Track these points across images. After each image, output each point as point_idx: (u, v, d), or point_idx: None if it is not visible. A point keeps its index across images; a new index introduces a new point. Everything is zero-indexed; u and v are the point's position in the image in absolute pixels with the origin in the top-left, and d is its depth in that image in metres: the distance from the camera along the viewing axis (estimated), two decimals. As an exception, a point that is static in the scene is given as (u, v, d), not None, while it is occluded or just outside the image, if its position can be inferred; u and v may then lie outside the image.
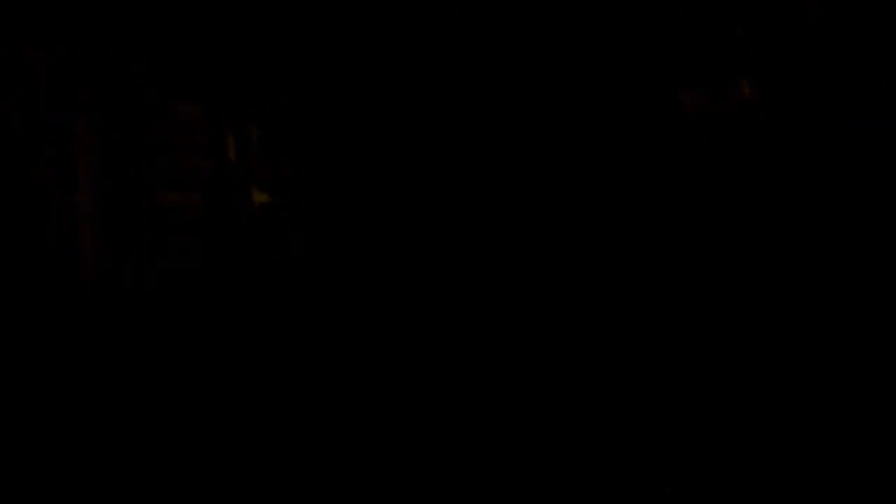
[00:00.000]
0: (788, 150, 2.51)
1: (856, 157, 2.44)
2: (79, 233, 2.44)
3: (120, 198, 2.49)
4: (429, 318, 2.56)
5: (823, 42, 2.46)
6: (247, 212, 2.62)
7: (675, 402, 2.39)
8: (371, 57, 2.64)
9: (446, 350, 2.51)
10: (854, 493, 2.06)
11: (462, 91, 2.63)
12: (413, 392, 2.44)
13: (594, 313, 2.56)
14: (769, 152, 2.52)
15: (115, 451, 2.24)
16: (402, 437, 2.33)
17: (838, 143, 2.45)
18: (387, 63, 2.64)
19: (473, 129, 2.63)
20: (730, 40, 2.37)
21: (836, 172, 2.46)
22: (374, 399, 2.43)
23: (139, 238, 2.51)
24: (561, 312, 2.56)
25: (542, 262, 2.61)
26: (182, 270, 2.53)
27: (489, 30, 2.61)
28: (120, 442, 2.27)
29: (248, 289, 2.56)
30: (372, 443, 2.31)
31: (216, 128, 2.58)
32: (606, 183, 2.62)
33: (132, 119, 2.48)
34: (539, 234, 2.62)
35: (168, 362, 2.43)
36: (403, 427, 2.36)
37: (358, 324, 2.56)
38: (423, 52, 2.63)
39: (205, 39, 2.53)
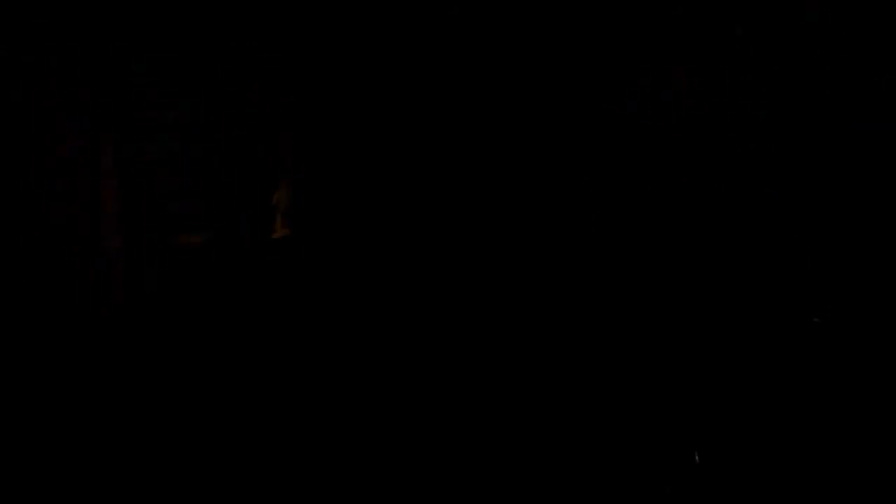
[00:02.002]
0: (789, 151, 2.51)
1: (856, 157, 2.44)
2: (77, 233, 2.43)
3: (120, 197, 2.49)
4: (426, 315, 2.56)
5: (823, 42, 2.46)
6: (247, 213, 2.62)
7: (675, 403, 2.39)
8: (371, 57, 2.64)
9: (446, 348, 2.51)
10: (853, 493, 2.06)
11: (460, 90, 2.63)
12: (410, 390, 2.44)
13: (590, 309, 2.56)
14: (770, 152, 2.52)
15: (115, 450, 2.24)
16: (400, 437, 2.33)
17: (838, 143, 2.45)
18: (386, 63, 2.64)
19: (470, 128, 2.63)
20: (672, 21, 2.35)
21: (837, 172, 2.46)
22: (373, 396, 2.42)
23: (138, 237, 2.51)
24: (557, 309, 2.56)
25: (532, 257, 2.61)
26: (181, 271, 2.53)
27: (489, 29, 2.61)
28: (120, 441, 2.26)
29: (247, 289, 2.56)
30: (373, 442, 2.31)
31: (215, 128, 2.58)
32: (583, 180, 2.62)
33: (132, 119, 2.48)
34: (529, 231, 2.61)
35: (168, 362, 2.43)
36: (402, 426, 2.36)
37: (356, 323, 2.55)
38: (422, 52, 2.63)
39: (205, 39, 2.53)
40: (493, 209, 2.63)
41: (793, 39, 2.49)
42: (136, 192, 2.51)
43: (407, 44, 2.63)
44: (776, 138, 2.51)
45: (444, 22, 2.62)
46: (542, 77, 2.63)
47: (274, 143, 2.64)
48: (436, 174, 2.64)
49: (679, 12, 2.55)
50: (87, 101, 2.43)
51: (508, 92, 2.63)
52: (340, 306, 2.59)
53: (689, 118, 2.58)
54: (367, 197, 2.64)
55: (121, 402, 2.35)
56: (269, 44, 2.59)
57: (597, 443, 2.31)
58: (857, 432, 2.21)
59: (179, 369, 2.44)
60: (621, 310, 2.56)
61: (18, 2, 2.32)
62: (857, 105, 2.43)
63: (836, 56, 2.45)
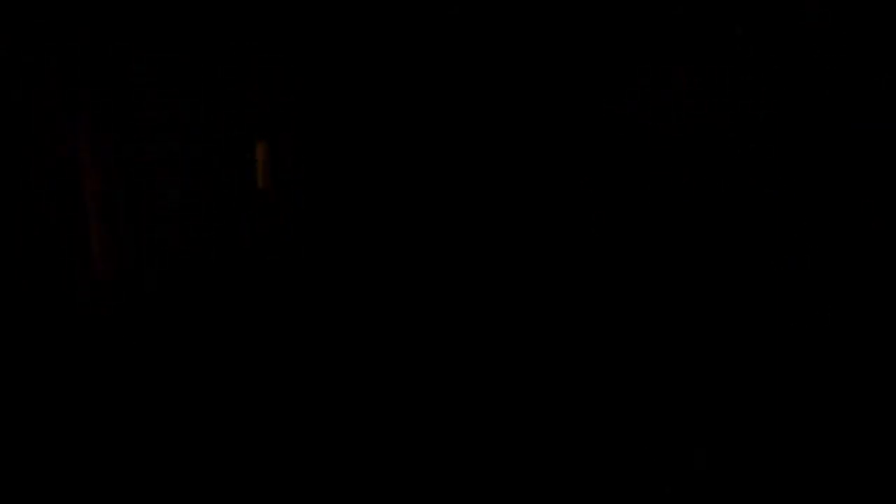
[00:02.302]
0: (789, 151, 2.51)
1: (856, 157, 2.44)
2: (77, 233, 2.44)
3: (120, 197, 2.49)
4: (424, 312, 2.56)
5: (823, 42, 2.46)
6: (246, 213, 2.62)
7: (675, 403, 2.39)
8: (371, 57, 2.64)
9: (444, 347, 2.52)
10: (858, 494, 2.06)
11: (459, 90, 2.63)
12: (408, 388, 2.44)
13: (590, 308, 2.56)
14: (770, 152, 2.52)
15: (114, 448, 2.24)
16: (397, 436, 2.33)
17: (838, 143, 2.45)
18: (386, 63, 2.64)
19: (470, 127, 2.63)
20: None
21: (837, 172, 2.46)
22: (371, 395, 2.43)
23: (139, 238, 2.51)
24: (556, 308, 2.56)
25: (531, 257, 2.61)
26: (181, 270, 2.53)
27: (489, 30, 2.61)
28: (119, 439, 2.27)
29: (247, 288, 2.56)
30: (370, 441, 2.31)
31: (215, 128, 2.58)
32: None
33: (132, 119, 2.48)
34: (527, 230, 2.62)
35: (166, 360, 2.43)
36: (399, 425, 2.36)
37: (354, 320, 2.56)
38: (422, 52, 2.63)
39: (205, 39, 2.53)
40: (492, 208, 2.63)
41: (793, 39, 2.49)
42: (135, 191, 2.51)
43: (407, 44, 2.63)
44: (776, 138, 2.51)
45: (444, 22, 2.62)
46: (542, 77, 2.64)
47: (274, 143, 2.64)
48: (436, 173, 2.64)
49: (679, 12, 2.55)
50: (87, 101, 2.43)
51: (508, 92, 2.63)
52: (341, 304, 2.59)
53: (689, 118, 2.58)
54: (368, 195, 2.64)
55: (119, 398, 2.35)
56: (269, 44, 2.59)
57: (597, 442, 2.31)
58: (855, 439, 2.21)
59: (177, 366, 2.44)
60: (621, 309, 2.56)
61: (18, 2, 2.32)
62: (857, 105, 2.43)
63: (836, 56, 2.45)
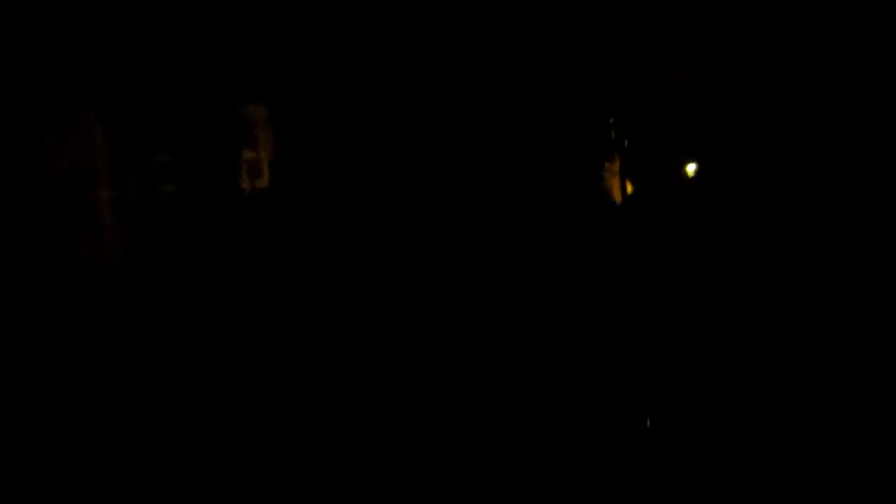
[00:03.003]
0: (789, 151, 2.51)
1: (856, 157, 2.44)
2: (76, 233, 2.43)
3: (118, 197, 2.49)
4: (424, 314, 2.56)
5: (823, 42, 2.46)
6: (246, 213, 2.62)
7: (675, 403, 2.39)
8: (370, 57, 2.64)
9: (442, 348, 2.51)
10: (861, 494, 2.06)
11: (460, 90, 2.63)
12: (406, 390, 2.44)
13: (590, 309, 2.56)
14: (770, 152, 2.52)
15: (116, 450, 2.24)
16: (396, 437, 2.33)
17: (838, 143, 2.45)
18: (386, 63, 2.64)
19: (470, 127, 2.63)
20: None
21: (837, 172, 2.46)
22: (369, 397, 2.42)
23: (138, 238, 2.51)
24: (556, 308, 2.56)
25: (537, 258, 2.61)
26: (180, 268, 2.52)
27: (489, 29, 2.61)
28: (120, 441, 2.26)
29: (246, 289, 2.56)
30: (368, 443, 2.31)
31: (215, 128, 2.58)
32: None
33: (132, 119, 2.48)
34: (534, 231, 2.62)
35: (167, 361, 2.42)
36: (398, 426, 2.36)
37: (353, 322, 2.55)
38: (422, 52, 2.63)
39: (205, 39, 2.53)
40: (493, 209, 2.63)
41: (793, 39, 2.49)
42: (134, 191, 2.51)
43: (407, 44, 2.63)
44: (776, 138, 2.51)
45: (443, 22, 2.62)
46: (542, 77, 2.64)
47: (274, 143, 2.64)
48: (435, 173, 2.64)
49: (679, 12, 2.55)
50: (87, 101, 2.43)
51: (509, 92, 2.63)
52: (341, 306, 2.58)
53: (689, 118, 2.58)
54: (369, 195, 2.64)
55: (120, 400, 2.35)
56: (269, 44, 2.59)
57: (597, 442, 2.31)
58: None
59: (178, 368, 2.43)
60: (621, 309, 2.56)
61: (18, 2, 2.32)
62: (857, 105, 2.43)
63: (836, 56, 2.45)
